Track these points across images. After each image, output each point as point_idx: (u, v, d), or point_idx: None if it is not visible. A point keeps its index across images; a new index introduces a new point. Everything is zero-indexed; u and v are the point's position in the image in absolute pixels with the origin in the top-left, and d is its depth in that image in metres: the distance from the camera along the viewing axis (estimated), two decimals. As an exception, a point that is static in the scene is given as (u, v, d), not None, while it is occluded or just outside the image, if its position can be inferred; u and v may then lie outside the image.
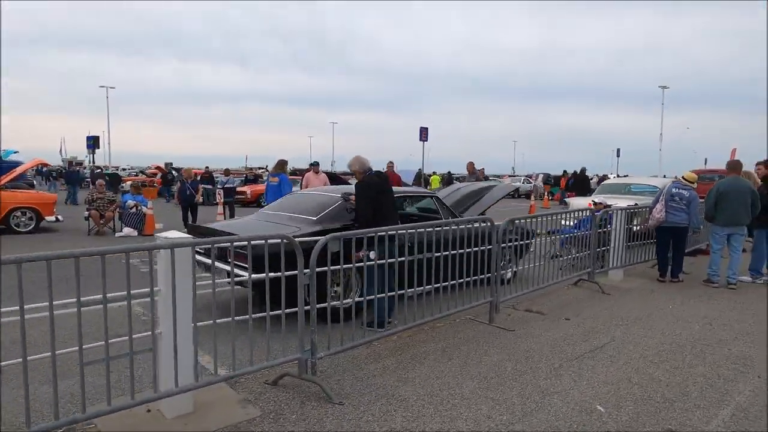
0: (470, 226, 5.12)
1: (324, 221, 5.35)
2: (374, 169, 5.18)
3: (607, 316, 5.75)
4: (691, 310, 6.02)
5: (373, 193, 4.95)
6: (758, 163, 7.85)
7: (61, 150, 59.46)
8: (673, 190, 7.49)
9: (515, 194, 32.91)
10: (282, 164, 11.09)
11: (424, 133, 22.69)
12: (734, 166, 7.33)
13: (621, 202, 11.11)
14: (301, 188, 13.81)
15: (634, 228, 7.99)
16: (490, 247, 5.22)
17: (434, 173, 32.19)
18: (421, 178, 30.99)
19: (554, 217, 6.44)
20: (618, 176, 36.25)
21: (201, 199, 12.30)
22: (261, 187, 21.36)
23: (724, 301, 6.49)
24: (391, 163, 13.82)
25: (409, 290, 4.70)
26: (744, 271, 7.77)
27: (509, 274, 7.07)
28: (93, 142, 55.75)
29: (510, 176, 46.56)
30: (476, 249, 5.12)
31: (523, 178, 38.29)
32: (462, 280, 5.08)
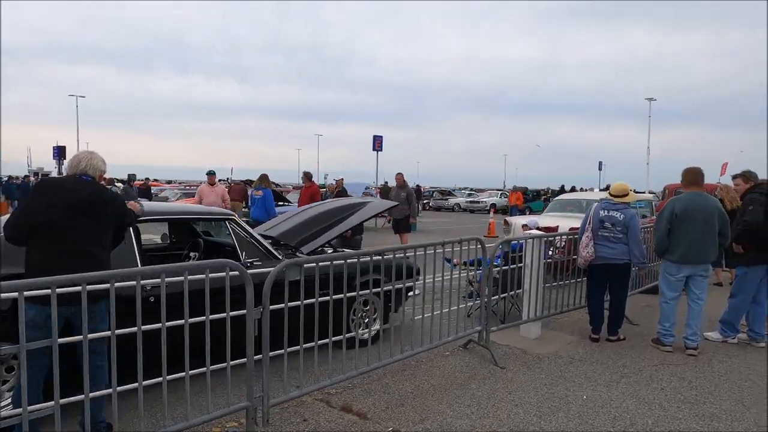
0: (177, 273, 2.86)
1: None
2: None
3: (470, 421, 3.48)
4: (616, 406, 3.75)
5: (34, 205, 2.83)
6: (735, 176, 5.64)
7: (29, 161, 57.49)
8: (601, 213, 5.27)
9: (493, 209, 30.65)
10: (264, 178, 10.43)
11: (377, 143, 20.49)
12: (694, 177, 5.12)
13: (574, 222, 8.91)
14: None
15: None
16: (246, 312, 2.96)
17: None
18: (388, 191, 28.84)
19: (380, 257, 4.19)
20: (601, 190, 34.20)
21: None
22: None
23: (674, 382, 4.23)
24: (308, 173, 11.57)
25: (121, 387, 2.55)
26: (710, 323, 5.54)
27: (369, 333, 4.86)
28: (60, 153, 53.73)
29: (497, 190, 44.38)
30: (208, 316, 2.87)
31: (500, 193, 36.08)
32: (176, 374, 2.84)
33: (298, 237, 5.00)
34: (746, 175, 5.45)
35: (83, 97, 60.49)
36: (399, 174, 11.14)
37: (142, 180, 25.77)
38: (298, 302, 3.31)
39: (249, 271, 3.03)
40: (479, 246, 4.73)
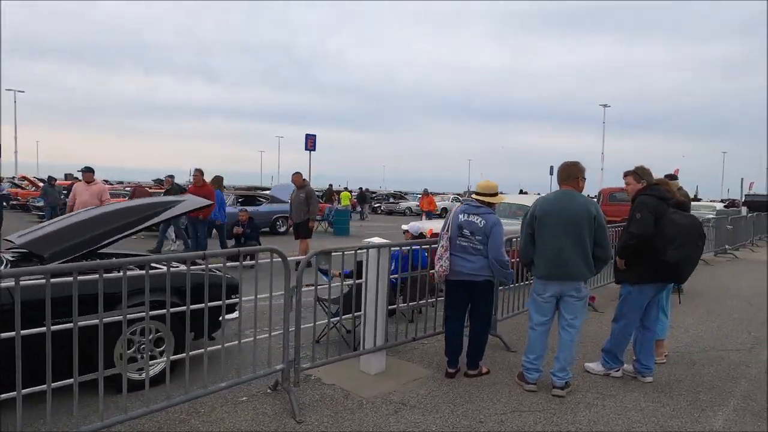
0: None
1: None
2: None
3: None
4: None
5: None
6: (626, 174, 4.66)
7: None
8: (461, 217, 4.25)
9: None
10: (217, 180, 10.60)
11: (310, 142, 19.27)
12: (568, 172, 4.12)
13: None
14: (67, 206, 10.22)
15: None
16: None
17: (346, 189, 28.88)
18: (332, 195, 27.73)
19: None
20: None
21: None
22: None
23: (515, 441, 3.20)
24: (200, 170, 10.26)
25: None
26: (590, 353, 4.59)
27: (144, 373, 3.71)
28: (-6, 151, 50.60)
29: (454, 194, 43.79)
30: None
31: (452, 196, 35.40)
32: None
33: (56, 246, 3.79)
34: (638, 173, 4.48)
35: (22, 92, 57.99)
36: (297, 173, 9.97)
37: (67, 180, 23.79)
38: None
39: None
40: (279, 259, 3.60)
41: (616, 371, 4.37)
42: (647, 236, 4.05)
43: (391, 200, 36.05)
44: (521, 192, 29.25)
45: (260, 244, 10.31)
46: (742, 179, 26.85)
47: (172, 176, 11.92)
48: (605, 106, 47.26)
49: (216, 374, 3.80)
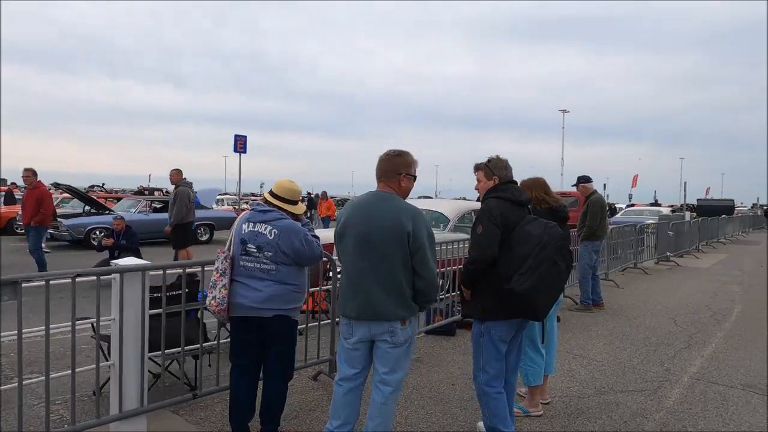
0: None
1: None
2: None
3: None
4: None
5: None
6: (477, 167, 3.42)
7: None
8: (245, 227, 3.09)
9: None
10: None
11: (239, 143, 17.89)
12: (387, 165, 2.95)
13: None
14: None
15: None
16: None
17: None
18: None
19: None
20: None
21: None
22: (16, 208, 16.16)
23: None
24: (32, 169, 8.55)
25: None
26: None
27: None
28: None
29: (421, 197, 42.77)
30: None
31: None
32: None
33: None
34: (489, 167, 3.31)
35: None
36: (174, 170, 8.49)
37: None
38: None
39: None
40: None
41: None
42: (489, 258, 2.95)
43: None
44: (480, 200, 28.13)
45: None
46: (684, 183, 26.48)
47: None
48: (564, 111, 47.13)
49: None
